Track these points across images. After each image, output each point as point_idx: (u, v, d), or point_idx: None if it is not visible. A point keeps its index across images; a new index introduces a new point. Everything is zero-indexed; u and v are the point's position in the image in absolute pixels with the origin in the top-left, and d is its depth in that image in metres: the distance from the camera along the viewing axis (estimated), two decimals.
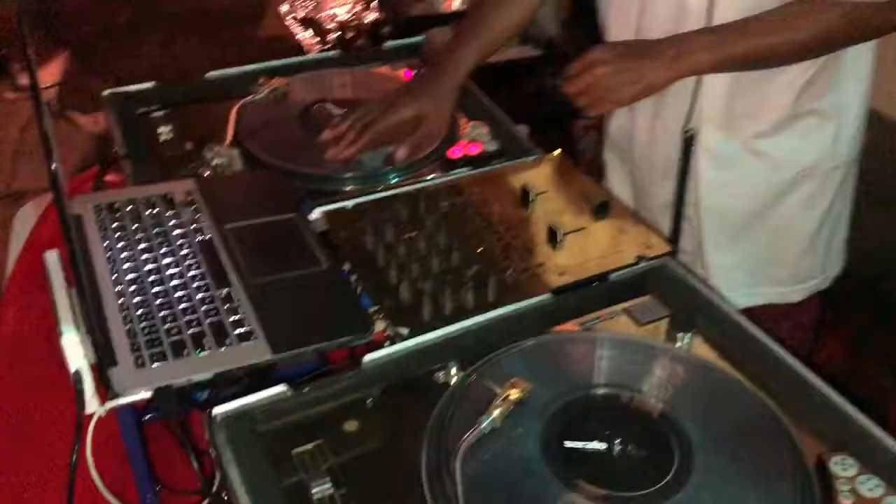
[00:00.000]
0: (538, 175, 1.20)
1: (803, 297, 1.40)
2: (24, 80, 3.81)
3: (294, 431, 0.81)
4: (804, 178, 1.29)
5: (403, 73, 1.50)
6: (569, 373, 0.85)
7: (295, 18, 2.99)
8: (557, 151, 1.25)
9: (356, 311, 0.92)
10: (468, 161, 1.26)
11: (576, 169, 1.22)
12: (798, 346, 1.41)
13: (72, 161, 3.00)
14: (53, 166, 0.62)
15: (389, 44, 1.57)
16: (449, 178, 1.21)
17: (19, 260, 1.35)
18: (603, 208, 1.11)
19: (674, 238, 1.07)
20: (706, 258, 1.35)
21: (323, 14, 3.00)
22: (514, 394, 0.78)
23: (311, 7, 3.03)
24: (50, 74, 3.91)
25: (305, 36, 2.95)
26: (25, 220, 1.43)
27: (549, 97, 2.43)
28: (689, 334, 0.92)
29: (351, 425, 0.83)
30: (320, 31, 2.89)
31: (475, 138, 1.31)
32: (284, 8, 3.07)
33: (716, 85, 1.21)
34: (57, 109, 3.58)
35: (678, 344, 0.92)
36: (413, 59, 1.54)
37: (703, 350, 0.92)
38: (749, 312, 1.29)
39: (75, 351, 0.74)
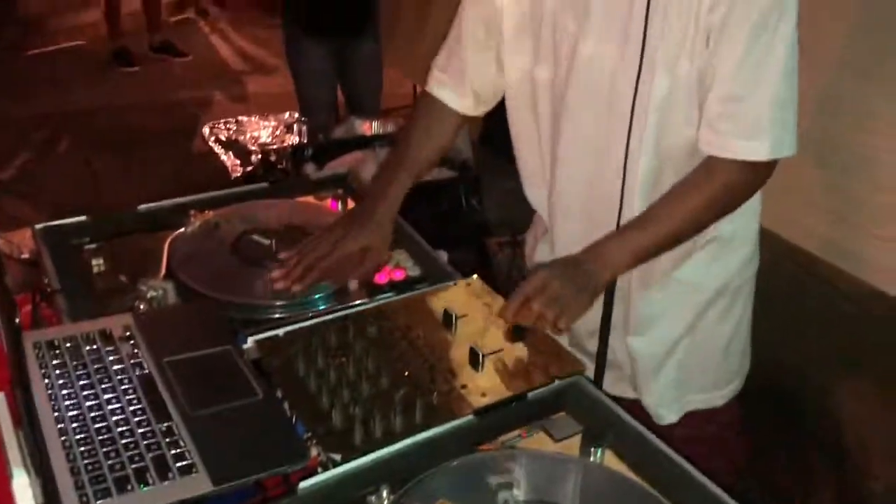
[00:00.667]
0: (459, 299, 1.29)
1: (725, 400, 1.52)
2: None
3: None
4: (718, 297, 1.42)
5: (329, 203, 1.59)
6: (493, 489, 0.92)
7: (217, 140, 3.06)
8: (475, 277, 1.34)
9: (292, 439, 0.97)
10: (393, 286, 1.35)
11: (493, 292, 1.31)
12: (722, 445, 1.53)
13: None
14: (17, 320, 0.67)
15: (314, 175, 1.66)
16: (376, 303, 1.28)
17: None
18: (519, 330, 1.20)
19: (600, 370, 1.16)
20: (638, 380, 1.46)
21: (245, 137, 3.08)
22: None
23: (233, 130, 3.11)
24: None
25: (229, 157, 3.01)
26: None
27: (464, 215, 2.56)
28: (601, 448, 1.00)
29: None
30: (243, 154, 2.97)
31: (399, 263, 1.40)
32: (206, 130, 3.14)
33: None
34: None
35: (591, 457, 1.00)
36: (337, 189, 1.63)
37: (613, 462, 1.00)
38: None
39: (25, 494, 0.77)
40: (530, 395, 1.08)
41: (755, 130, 1.19)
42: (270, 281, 1.30)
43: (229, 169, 2.98)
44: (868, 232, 1.99)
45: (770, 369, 1.92)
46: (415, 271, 1.39)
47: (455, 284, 1.33)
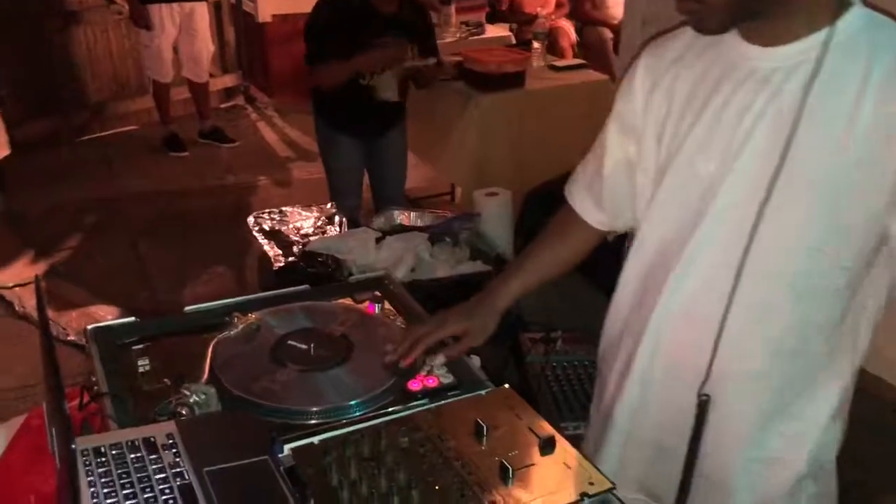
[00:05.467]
0: (490, 409, 1.31)
1: None
2: None
3: None
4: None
5: (366, 305, 1.64)
6: None
7: (261, 230, 3.14)
8: (506, 386, 1.37)
9: None
10: (426, 393, 1.38)
11: (523, 402, 1.33)
12: None
13: (30, 365, 3.05)
14: (73, 446, 0.71)
15: (353, 277, 1.72)
16: (409, 411, 1.31)
17: None
18: (549, 444, 1.22)
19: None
20: None
21: (288, 227, 3.16)
22: None
23: (276, 220, 3.19)
24: (14, 275, 4.02)
25: (272, 247, 3.08)
26: None
27: None
28: None
29: None
30: (285, 245, 3.03)
31: (433, 370, 1.43)
32: (251, 220, 3.22)
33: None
34: (21, 311, 3.66)
35: None
36: (374, 291, 1.68)
37: None
38: None
39: None
40: None
41: None
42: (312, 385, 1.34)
43: (272, 259, 3.05)
44: None
45: None
46: (447, 378, 1.42)
47: (487, 393, 1.36)
